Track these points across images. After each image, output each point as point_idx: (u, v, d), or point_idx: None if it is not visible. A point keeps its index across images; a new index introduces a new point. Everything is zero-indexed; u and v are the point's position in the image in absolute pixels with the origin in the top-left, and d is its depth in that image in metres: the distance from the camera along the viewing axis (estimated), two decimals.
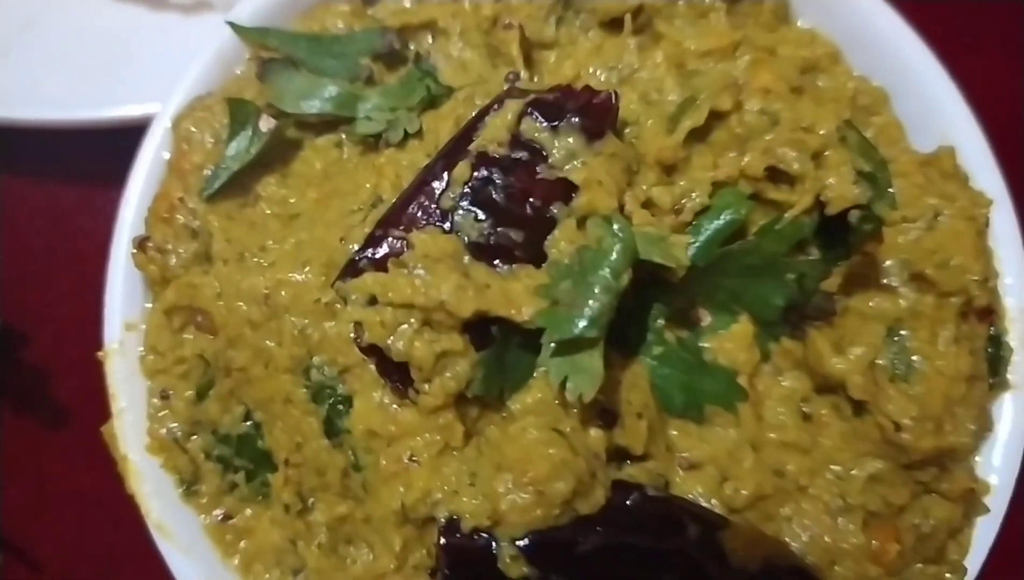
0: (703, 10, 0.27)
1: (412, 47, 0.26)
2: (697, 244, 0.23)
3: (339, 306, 0.22)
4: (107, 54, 0.31)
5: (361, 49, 0.25)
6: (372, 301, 0.21)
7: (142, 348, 0.25)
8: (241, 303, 0.23)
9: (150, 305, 0.25)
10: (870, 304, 0.25)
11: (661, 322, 0.24)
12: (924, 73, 0.27)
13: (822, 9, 0.27)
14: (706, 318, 0.24)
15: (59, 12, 0.32)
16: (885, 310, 0.25)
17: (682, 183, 0.24)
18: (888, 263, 0.25)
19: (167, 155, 0.26)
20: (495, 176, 0.22)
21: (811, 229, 0.23)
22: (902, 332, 0.25)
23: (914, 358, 0.24)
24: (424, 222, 0.22)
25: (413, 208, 0.22)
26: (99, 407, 0.30)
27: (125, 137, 0.30)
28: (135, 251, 0.24)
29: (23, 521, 0.33)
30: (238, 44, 0.26)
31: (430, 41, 0.27)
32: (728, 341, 0.24)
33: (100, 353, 0.25)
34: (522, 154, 0.22)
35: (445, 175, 0.22)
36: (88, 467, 0.32)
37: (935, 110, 0.27)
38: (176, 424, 0.25)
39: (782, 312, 0.24)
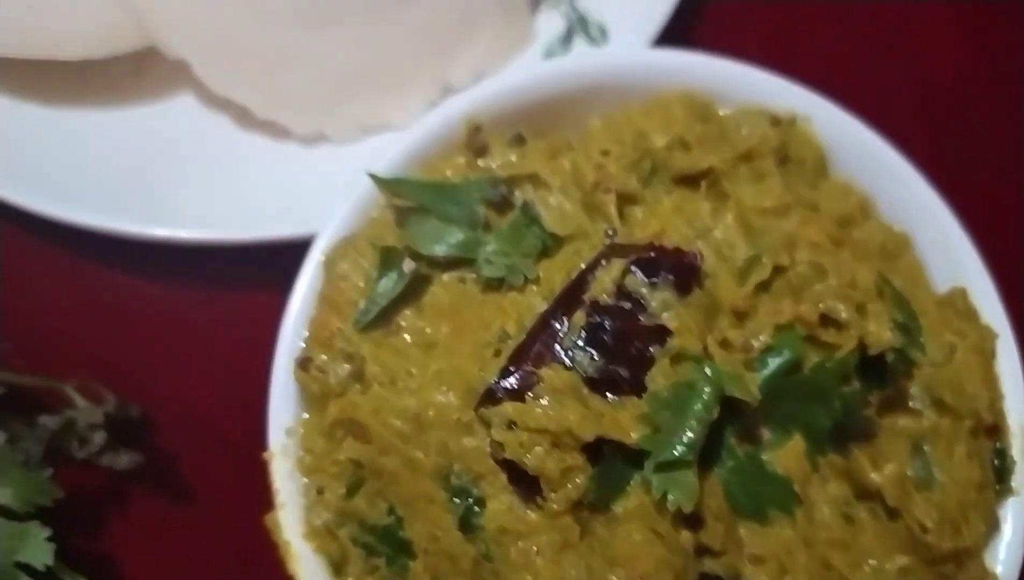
0: (760, 172, 0.32)
1: (518, 195, 0.31)
2: (763, 378, 0.28)
3: (476, 425, 0.27)
4: (236, 177, 0.36)
5: (476, 197, 0.30)
6: (510, 425, 0.26)
7: (300, 451, 0.29)
8: (394, 420, 0.27)
9: (307, 415, 0.29)
10: (899, 424, 0.30)
11: (732, 440, 0.29)
12: (939, 219, 0.32)
13: (853, 163, 0.32)
14: (766, 435, 0.29)
15: (193, 137, 0.36)
16: (911, 430, 0.30)
17: (750, 326, 0.29)
18: (913, 390, 0.30)
19: (318, 285, 0.30)
20: (605, 322, 0.27)
21: (854, 366, 0.28)
22: (925, 448, 0.30)
23: (935, 470, 0.29)
24: (549, 359, 0.26)
25: (539, 347, 0.27)
26: (226, 487, 0.34)
27: (247, 253, 0.35)
28: (298, 370, 0.29)
29: None
30: (373, 189, 0.31)
31: (533, 191, 0.32)
32: (784, 455, 0.29)
33: (265, 454, 0.29)
34: (626, 304, 0.27)
35: (564, 320, 0.27)
36: (218, 544, 0.36)
37: (949, 252, 0.32)
38: (329, 515, 0.29)
39: (829, 432, 0.29)
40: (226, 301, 0.37)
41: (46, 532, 0.32)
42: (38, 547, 0.32)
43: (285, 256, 0.33)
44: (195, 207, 0.35)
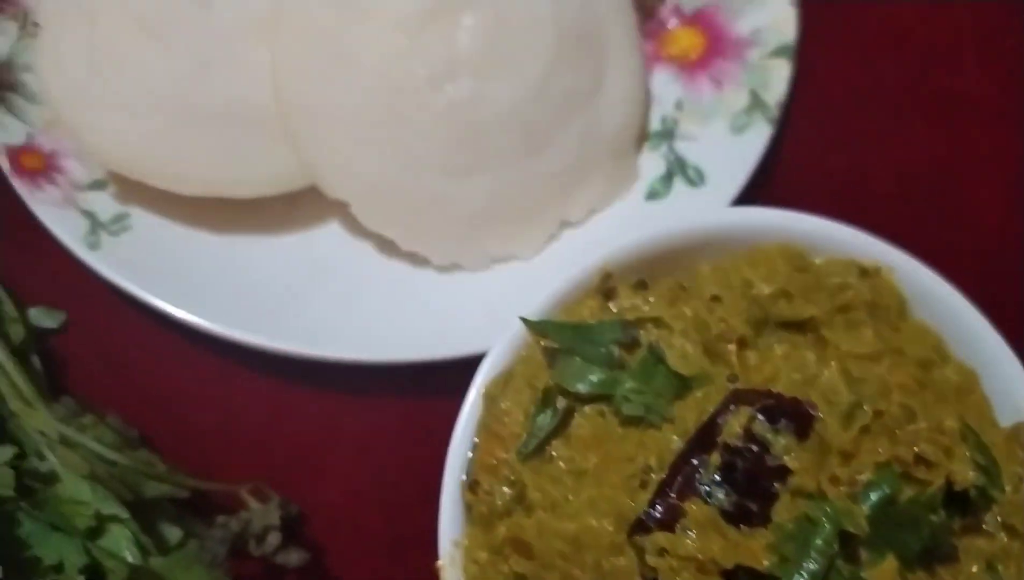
0: (855, 322, 0.37)
1: (643, 335, 0.36)
2: (867, 509, 0.33)
3: (626, 547, 0.31)
4: (380, 301, 0.40)
5: (610, 338, 0.35)
6: (661, 552, 0.31)
7: (467, 561, 0.33)
8: (555, 540, 0.31)
9: (471, 529, 0.33)
10: (975, 545, 0.34)
11: (840, 561, 0.33)
12: (1002, 358, 0.37)
13: (926, 308, 0.37)
14: (864, 555, 0.33)
15: (340, 263, 0.41)
16: (985, 550, 0.34)
17: (854, 464, 0.34)
18: (987, 516, 0.35)
19: (477, 413, 0.35)
20: (737, 462, 0.31)
21: (941, 499, 0.33)
22: (998, 567, 0.34)
23: None
24: (691, 494, 0.31)
25: (681, 482, 0.32)
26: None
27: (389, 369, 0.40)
28: (468, 492, 0.33)
29: None
30: (522, 329, 0.36)
31: (657, 332, 0.37)
32: (880, 573, 0.33)
33: (438, 563, 0.33)
34: (754, 446, 0.32)
35: (703, 459, 0.31)
36: None
37: (1011, 388, 0.37)
38: None
39: (918, 554, 0.33)
40: (371, 412, 0.41)
41: None
42: None
43: (422, 370, 0.39)
44: (346, 328, 0.39)
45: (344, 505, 0.40)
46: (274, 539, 0.36)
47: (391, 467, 0.40)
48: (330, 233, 0.42)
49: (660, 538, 0.31)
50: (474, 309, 0.41)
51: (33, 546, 0.33)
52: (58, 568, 0.33)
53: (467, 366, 0.36)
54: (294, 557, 0.36)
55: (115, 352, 0.41)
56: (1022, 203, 0.50)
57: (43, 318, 0.40)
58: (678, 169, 0.44)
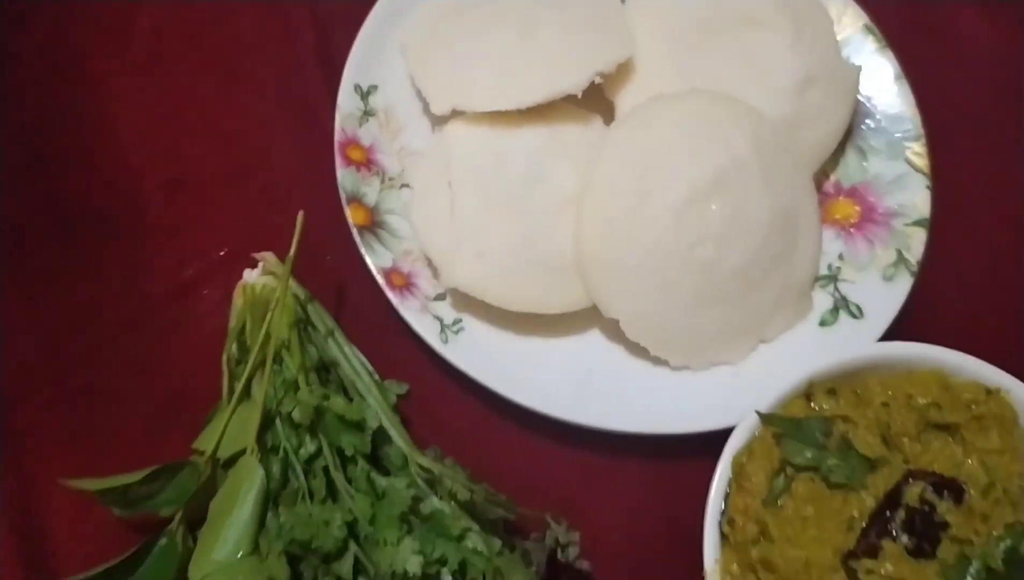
0: (986, 426, 0.50)
1: (835, 427, 0.51)
2: (1000, 554, 0.47)
3: (840, 570, 0.46)
4: (645, 388, 0.53)
5: (815, 428, 0.50)
6: (867, 572, 0.45)
7: (723, 573, 0.48)
8: (793, 562, 0.46)
9: (725, 551, 0.48)
10: None
11: None
12: None
13: None
14: None
15: (605, 361, 0.56)
16: None
17: (990, 522, 0.47)
18: None
19: (728, 474, 0.50)
20: (916, 517, 0.45)
21: None
22: None
23: None
24: (885, 536, 0.45)
25: (877, 527, 0.46)
26: None
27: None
28: (727, 526, 0.48)
29: None
30: (755, 418, 0.51)
31: (844, 425, 0.51)
32: None
33: (704, 574, 0.48)
34: (926, 507, 0.46)
35: (893, 514, 0.46)
36: None
37: None
38: None
39: None
40: (636, 474, 0.54)
41: None
42: None
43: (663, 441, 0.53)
44: (621, 406, 0.53)
45: (610, 538, 0.53)
46: (573, 550, 0.50)
47: (647, 510, 0.53)
48: (598, 339, 0.55)
49: (867, 563, 0.45)
50: (697, 399, 0.53)
51: (423, 548, 0.48)
52: (441, 561, 0.48)
53: (693, 438, 0.51)
54: (586, 564, 0.51)
55: (444, 421, 0.54)
56: None
57: (394, 387, 0.56)
58: (843, 305, 0.55)
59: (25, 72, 0.60)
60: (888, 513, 0.45)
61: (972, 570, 0.43)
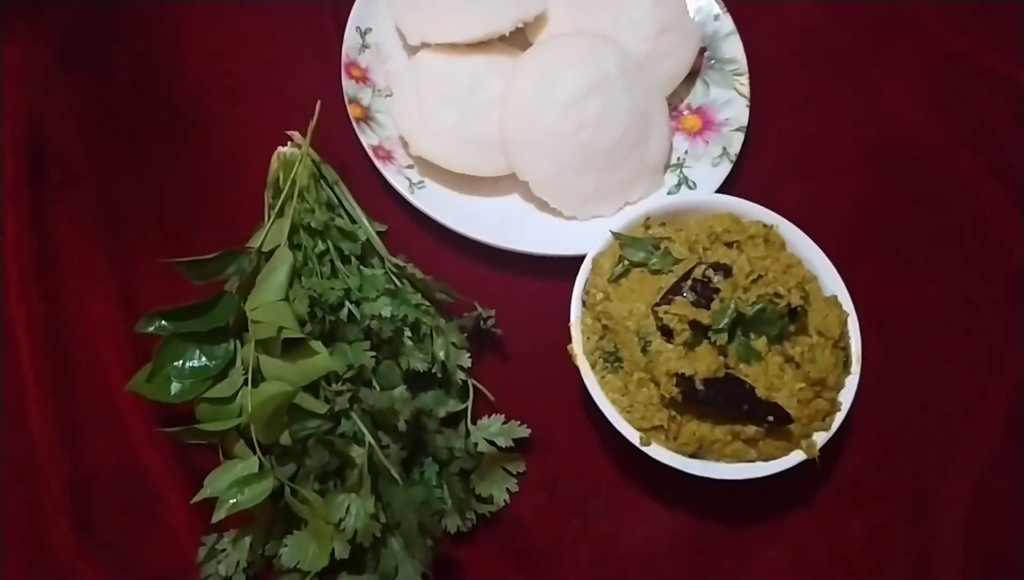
0: (757, 243, 0.77)
1: (662, 243, 0.77)
2: (753, 311, 0.73)
3: (650, 315, 0.71)
4: (543, 228, 0.80)
5: (647, 242, 0.76)
6: (665, 313, 0.70)
7: (581, 324, 0.74)
8: (621, 312, 0.69)
9: (584, 310, 0.74)
10: (802, 338, 0.71)
11: (740, 336, 0.73)
12: (814, 258, 0.69)
13: (792, 244, 0.79)
14: (752, 337, 0.73)
15: (524, 211, 0.83)
16: (808, 341, 0.72)
17: (750, 293, 0.74)
18: (810, 326, 0.74)
19: (590, 266, 0.75)
20: (697, 286, 0.63)
21: (785, 311, 0.71)
22: (815, 347, 0.73)
23: (816, 354, 0.71)
24: (678, 296, 0.68)
25: (674, 291, 0.70)
26: (544, 357, 0.79)
27: (546, 259, 0.78)
28: (584, 294, 0.74)
29: None
30: (610, 237, 0.78)
31: (669, 243, 0.77)
32: (758, 343, 0.69)
33: (570, 323, 0.74)
34: (705, 279, 0.68)
35: (684, 284, 0.69)
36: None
37: (828, 275, 0.76)
38: (591, 346, 0.74)
39: (775, 336, 0.72)
40: (538, 277, 0.71)
41: None
42: None
43: (564, 261, 0.70)
44: (524, 236, 0.74)
45: (517, 319, 0.71)
46: (491, 322, 0.68)
47: (549, 304, 0.68)
48: (516, 197, 0.75)
49: (665, 308, 0.67)
50: (581, 234, 0.69)
51: (392, 310, 0.73)
52: (403, 320, 0.72)
53: (575, 260, 0.66)
54: (499, 331, 0.74)
55: (409, 249, 0.72)
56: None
57: (376, 225, 0.80)
58: (684, 181, 0.75)
59: (128, 20, 0.87)
60: (681, 283, 0.68)
61: (729, 312, 0.67)
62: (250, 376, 0.62)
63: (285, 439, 0.61)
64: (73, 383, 0.70)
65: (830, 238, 0.65)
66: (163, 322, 0.63)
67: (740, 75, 0.79)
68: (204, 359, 0.63)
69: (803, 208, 0.67)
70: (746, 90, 0.78)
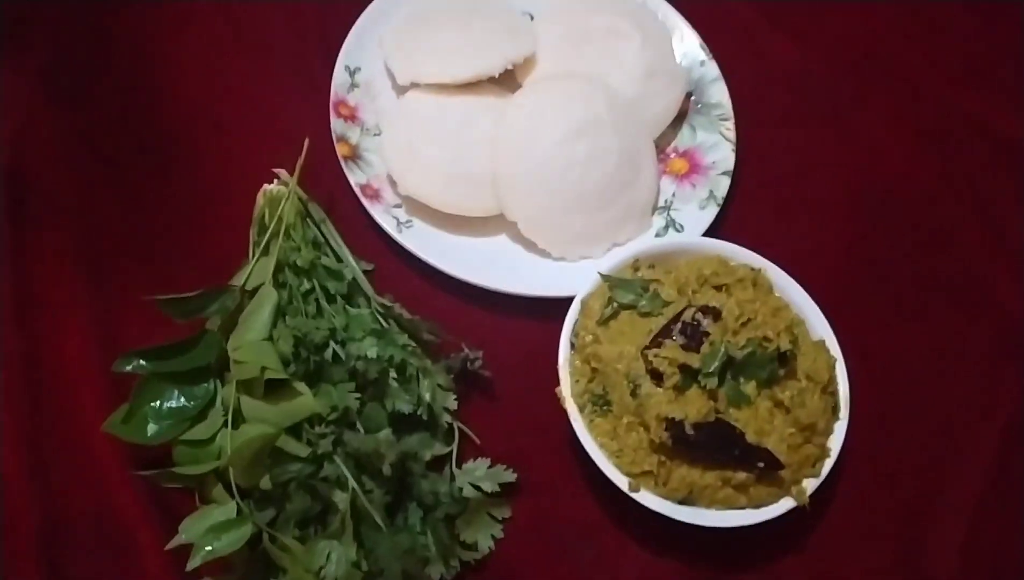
0: (746, 286, 0.76)
1: (652, 286, 0.77)
2: (743, 354, 0.72)
3: (640, 358, 0.70)
4: (531, 268, 0.80)
5: (637, 284, 0.76)
6: (655, 356, 0.70)
7: (570, 366, 0.73)
8: (610, 355, 0.69)
9: (573, 351, 0.73)
10: (791, 382, 0.70)
11: (730, 380, 0.72)
12: (803, 303, 0.69)
13: (779, 289, 0.79)
14: (741, 381, 0.72)
15: (510, 252, 0.83)
16: (797, 385, 0.69)
17: (740, 336, 0.73)
18: (799, 370, 0.74)
19: (578, 308, 0.74)
20: (688, 329, 0.64)
21: (774, 355, 0.70)
22: (803, 392, 0.72)
23: (806, 399, 0.71)
24: (668, 339, 0.67)
25: (663, 333, 0.70)
26: (531, 394, 0.78)
27: (537, 300, 0.78)
28: (573, 337, 0.73)
29: None
30: (598, 279, 0.77)
31: (658, 285, 0.78)
32: (748, 387, 0.67)
33: (558, 364, 0.73)
34: (695, 322, 0.68)
35: (674, 327, 0.70)
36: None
37: (807, 316, 0.76)
38: (581, 389, 0.72)
39: (764, 380, 0.72)
40: (526, 318, 0.71)
41: None
42: None
43: (552, 302, 0.69)
44: (518, 278, 0.75)
45: (505, 360, 0.70)
46: (478, 362, 0.69)
47: (531, 345, 0.68)
48: (504, 237, 0.75)
49: (655, 351, 0.68)
50: (570, 275, 0.69)
51: (378, 351, 0.72)
52: (389, 361, 0.71)
53: (563, 301, 0.66)
54: (488, 372, 0.73)
55: (397, 289, 0.71)
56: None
57: (363, 265, 0.79)
58: (671, 224, 0.74)
59: (114, 53, 0.86)
60: (671, 326, 0.69)
61: (719, 355, 0.67)
62: (230, 418, 0.60)
63: (265, 483, 0.60)
64: (48, 421, 0.68)
65: (816, 281, 0.66)
66: (141, 362, 0.62)
67: (726, 120, 0.79)
68: (183, 399, 0.62)
69: (789, 251, 0.68)
70: (732, 135, 0.78)
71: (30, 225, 0.77)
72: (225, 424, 0.60)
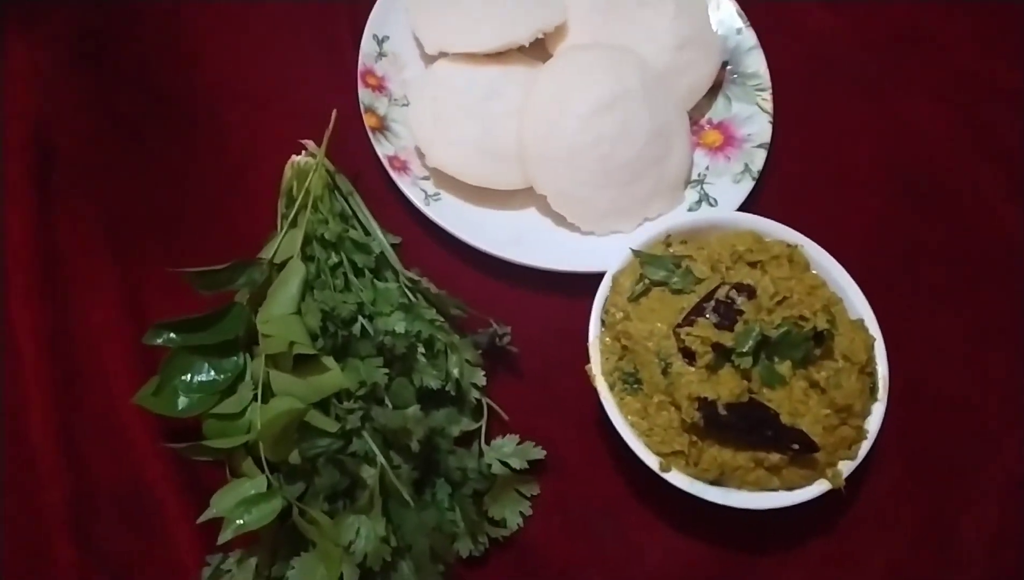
0: (780, 263, 0.72)
1: (684, 261, 0.75)
2: (779, 334, 0.71)
3: (672, 337, 0.69)
4: (559, 242, 0.77)
5: (668, 260, 0.75)
6: (688, 334, 0.68)
7: (600, 343, 0.72)
8: (641, 331, 0.68)
9: (604, 329, 0.72)
10: (828, 362, 0.68)
11: (764, 360, 0.71)
12: (840, 280, 0.67)
13: (816, 265, 0.77)
14: (776, 360, 0.71)
15: (539, 225, 0.81)
16: (834, 366, 0.69)
17: (775, 314, 0.72)
18: (836, 350, 0.72)
19: (609, 283, 0.73)
20: (721, 307, 0.63)
21: (810, 334, 0.68)
22: (840, 373, 0.71)
23: (842, 380, 0.68)
24: (701, 317, 0.67)
25: (697, 311, 0.70)
26: (564, 374, 0.78)
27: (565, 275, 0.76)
28: (604, 314, 0.72)
29: None
30: (630, 254, 0.76)
31: (690, 261, 0.76)
32: (783, 367, 0.63)
33: (589, 342, 0.72)
34: (729, 300, 0.67)
35: (707, 305, 0.69)
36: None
37: (845, 293, 0.72)
38: (611, 366, 0.72)
39: (800, 360, 0.71)
40: (554, 293, 0.71)
41: None
42: None
43: (581, 278, 0.70)
44: (546, 253, 0.74)
45: (533, 336, 0.70)
46: (507, 338, 0.69)
47: (568, 319, 0.67)
48: (532, 210, 0.75)
49: (687, 329, 0.67)
50: (599, 250, 0.69)
51: (406, 326, 0.71)
52: (417, 336, 0.70)
53: (593, 277, 0.65)
54: (515, 348, 0.72)
55: (424, 262, 0.71)
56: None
57: (391, 238, 0.79)
58: (704, 198, 0.74)
59: (138, 21, 0.85)
60: (704, 304, 0.68)
61: (753, 334, 0.66)
62: (259, 392, 0.60)
63: (294, 458, 0.59)
64: (77, 393, 0.69)
65: (853, 258, 0.64)
66: (171, 334, 0.62)
67: (763, 90, 0.77)
68: (212, 373, 0.62)
69: (827, 227, 0.66)
70: (769, 106, 0.76)
71: (56, 195, 0.76)
72: (255, 398, 0.60)
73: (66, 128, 0.79)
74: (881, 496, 0.69)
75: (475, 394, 0.63)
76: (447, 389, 0.61)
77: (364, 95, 0.74)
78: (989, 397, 0.69)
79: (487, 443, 0.65)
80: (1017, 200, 0.76)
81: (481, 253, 0.70)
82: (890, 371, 0.61)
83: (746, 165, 0.76)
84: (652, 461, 0.60)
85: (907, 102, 0.80)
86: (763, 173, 0.74)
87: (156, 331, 0.61)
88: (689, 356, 0.59)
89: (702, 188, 0.76)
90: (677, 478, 0.59)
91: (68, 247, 0.74)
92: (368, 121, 0.73)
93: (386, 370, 0.58)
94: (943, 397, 0.68)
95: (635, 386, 0.63)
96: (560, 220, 0.73)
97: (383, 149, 0.73)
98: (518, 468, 0.60)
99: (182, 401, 0.60)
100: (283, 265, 0.67)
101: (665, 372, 0.61)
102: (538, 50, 0.76)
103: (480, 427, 0.66)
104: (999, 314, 0.72)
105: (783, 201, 0.74)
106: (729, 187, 0.75)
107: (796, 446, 0.62)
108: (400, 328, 0.65)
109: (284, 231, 0.69)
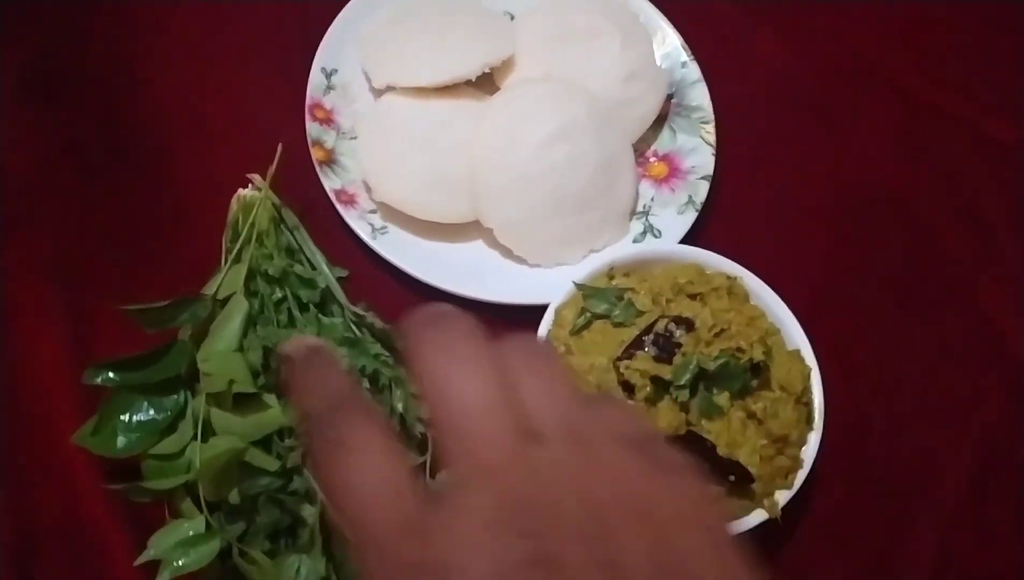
0: (721, 295, 0.76)
1: (626, 295, 0.76)
2: (716, 366, 0.72)
3: (611, 370, 0.70)
4: (505, 276, 0.81)
5: (611, 294, 0.75)
6: (627, 368, 0.69)
7: None
8: (584, 365, 0.71)
9: None
10: (765, 392, 0.71)
11: (702, 391, 0.72)
12: (779, 312, 0.69)
13: (755, 297, 0.78)
14: (714, 391, 0.72)
15: (487, 258, 0.82)
16: (771, 395, 0.72)
17: (712, 346, 0.73)
18: (773, 380, 0.74)
19: (552, 317, 0.74)
20: (660, 339, 0.67)
21: (747, 366, 0.71)
22: (777, 402, 0.72)
23: (779, 410, 0.71)
24: (640, 351, 0.68)
25: (635, 345, 0.70)
26: None
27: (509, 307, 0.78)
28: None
29: None
30: (572, 288, 0.77)
31: (632, 294, 0.77)
32: (721, 398, 0.71)
33: None
34: (668, 333, 0.69)
35: (646, 338, 0.70)
36: None
37: (792, 331, 0.76)
38: None
39: (738, 391, 0.72)
40: (504, 325, 0.78)
41: None
42: None
43: (529, 310, 0.69)
44: (488, 284, 0.74)
45: None
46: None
47: None
48: (479, 243, 0.74)
49: (626, 363, 0.68)
50: (545, 283, 0.69)
51: (350, 360, 0.72)
52: (362, 371, 0.71)
53: (538, 309, 0.65)
54: None
55: (371, 296, 0.75)
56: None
57: (337, 271, 0.80)
58: (649, 229, 0.73)
59: (98, 59, 0.85)
60: (643, 337, 0.69)
61: (691, 367, 0.67)
62: (199, 430, 0.60)
63: (234, 497, 0.59)
64: (21, 430, 0.68)
65: (796, 288, 0.65)
66: (110, 374, 0.62)
67: (706, 123, 0.78)
68: (152, 412, 0.62)
69: (770, 257, 0.67)
70: (712, 138, 0.77)
71: (3, 228, 0.76)
72: (195, 437, 0.60)
73: (13, 158, 0.79)
74: (824, 524, 0.70)
75: (420, 428, 0.63)
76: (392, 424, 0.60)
77: (312, 128, 0.74)
78: (932, 422, 0.70)
79: (432, 477, 0.66)
80: (964, 228, 0.77)
81: (429, 286, 0.69)
82: (832, 399, 0.62)
83: (690, 197, 0.76)
84: None
85: (854, 132, 0.81)
86: (708, 205, 0.74)
87: (95, 371, 0.61)
88: (629, 389, 0.60)
89: (647, 219, 0.76)
90: None
91: (12, 281, 0.74)
92: (315, 154, 0.73)
93: None
94: (886, 423, 0.69)
95: None
96: (507, 253, 0.72)
97: (330, 183, 0.72)
98: None
99: (121, 441, 0.60)
100: (227, 301, 0.67)
101: None
102: (486, 83, 0.75)
103: (425, 461, 0.66)
104: (944, 341, 0.73)
105: (728, 232, 0.75)
106: (673, 218, 0.75)
107: (733, 477, 0.62)
108: (344, 363, 0.65)
109: (228, 266, 0.69)
